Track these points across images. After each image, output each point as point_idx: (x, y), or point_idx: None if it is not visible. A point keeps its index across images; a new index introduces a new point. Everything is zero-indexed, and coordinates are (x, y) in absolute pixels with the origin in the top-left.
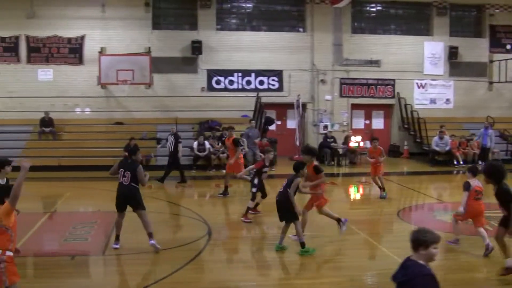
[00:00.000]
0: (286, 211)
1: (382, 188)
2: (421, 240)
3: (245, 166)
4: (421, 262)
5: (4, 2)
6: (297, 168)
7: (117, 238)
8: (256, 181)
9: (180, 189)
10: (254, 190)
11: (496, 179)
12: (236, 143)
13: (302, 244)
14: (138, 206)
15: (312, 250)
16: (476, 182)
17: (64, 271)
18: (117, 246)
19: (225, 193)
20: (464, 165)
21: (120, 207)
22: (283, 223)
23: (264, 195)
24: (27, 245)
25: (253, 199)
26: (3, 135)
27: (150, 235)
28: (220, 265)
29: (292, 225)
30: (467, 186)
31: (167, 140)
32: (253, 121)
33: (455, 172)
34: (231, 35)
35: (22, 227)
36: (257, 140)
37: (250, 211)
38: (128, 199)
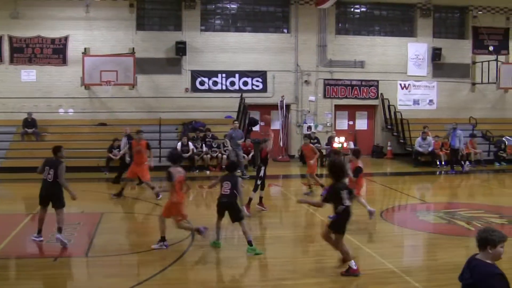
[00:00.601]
0: (234, 212)
1: (309, 186)
2: (490, 239)
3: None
4: (488, 261)
5: None
6: (233, 168)
7: (39, 232)
8: (262, 173)
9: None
10: (258, 182)
11: (336, 176)
12: (150, 146)
13: (250, 243)
14: (58, 203)
15: (260, 251)
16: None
17: (47, 272)
18: (41, 239)
19: (120, 194)
20: (446, 166)
21: (43, 203)
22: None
23: (262, 187)
24: (9, 246)
25: (255, 190)
26: None
27: (60, 230)
28: (204, 266)
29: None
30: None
31: (121, 141)
32: (237, 122)
33: (437, 172)
34: (215, 36)
35: (5, 228)
36: (240, 141)
37: (257, 206)
38: (50, 195)
